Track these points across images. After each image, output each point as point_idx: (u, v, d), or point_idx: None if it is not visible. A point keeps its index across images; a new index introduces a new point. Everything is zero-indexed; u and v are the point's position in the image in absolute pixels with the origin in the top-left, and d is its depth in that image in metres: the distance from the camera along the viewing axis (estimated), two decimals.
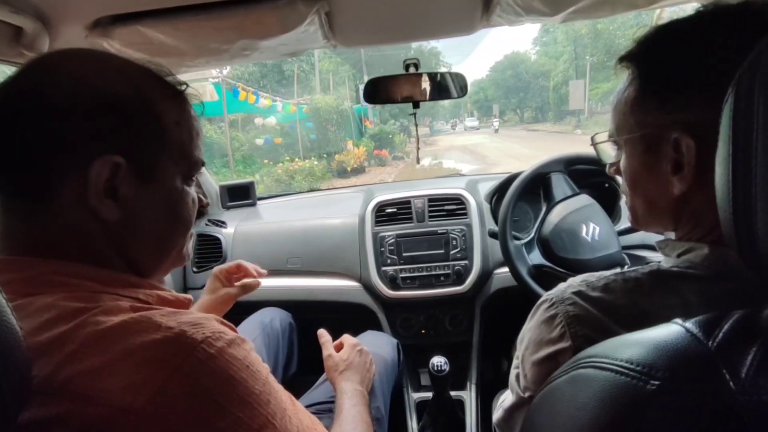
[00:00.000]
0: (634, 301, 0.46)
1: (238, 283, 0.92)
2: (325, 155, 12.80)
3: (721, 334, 0.32)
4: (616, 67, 0.52)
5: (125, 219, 0.46)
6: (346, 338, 0.97)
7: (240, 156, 12.42)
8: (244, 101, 8.94)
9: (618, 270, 0.51)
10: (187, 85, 0.52)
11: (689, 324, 0.34)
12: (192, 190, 0.54)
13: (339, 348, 0.94)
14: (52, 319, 0.38)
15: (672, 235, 0.55)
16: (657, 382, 0.31)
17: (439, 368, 1.14)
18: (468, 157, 15.93)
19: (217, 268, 0.93)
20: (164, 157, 0.49)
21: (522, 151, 16.02)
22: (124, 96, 0.46)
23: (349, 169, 11.99)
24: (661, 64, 0.49)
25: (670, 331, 0.34)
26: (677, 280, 0.46)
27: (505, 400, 0.64)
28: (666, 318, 0.37)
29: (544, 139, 20.89)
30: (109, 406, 0.35)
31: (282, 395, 0.47)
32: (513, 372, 0.60)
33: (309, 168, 10.42)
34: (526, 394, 0.55)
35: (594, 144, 0.66)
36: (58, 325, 0.38)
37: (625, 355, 0.35)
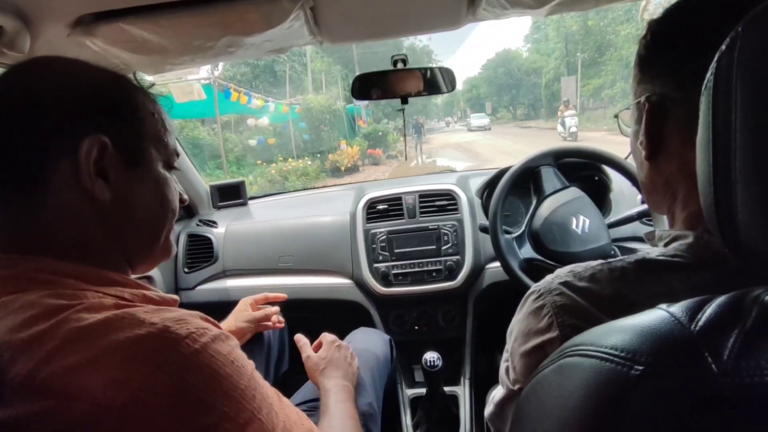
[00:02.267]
0: (619, 291, 0.46)
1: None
2: (318, 155, 12.76)
3: (703, 318, 0.32)
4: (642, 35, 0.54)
5: (117, 202, 0.48)
6: (324, 336, 0.97)
7: (233, 157, 12.37)
8: (236, 102, 8.89)
9: (604, 261, 0.51)
10: (153, 84, 0.56)
11: (673, 309, 0.34)
12: (174, 179, 0.57)
13: (318, 348, 0.94)
14: (34, 317, 0.38)
15: (665, 222, 0.56)
16: (641, 367, 0.31)
17: (432, 363, 1.14)
18: (461, 154, 15.96)
19: (249, 297, 1.10)
20: (146, 143, 0.52)
21: (515, 148, 16.07)
22: (107, 86, 0.50)
23: (342, 168, 11.96)
24: (649, 39, 0.51)
25: (654, 316, 0.34)
26: (663, 268, 0.46)
27: (496, 394, 0.64)
28: (651, 306, 0.37)
29: (537, 135, 20.99)
30: (90, 403, 0.35)
31: (268, 390, 0.46)
32: (503, 365, 0.60)
33: (302, 168, 10.38)
34: (516, 387, 0.55)
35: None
36: (39, 322, 0.38)
37: (610, 341, 0.35)
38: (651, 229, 1.17)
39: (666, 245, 0.50)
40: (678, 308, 0.33)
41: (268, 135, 13.30)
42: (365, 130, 15.81)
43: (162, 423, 0.36)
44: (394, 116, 22.26)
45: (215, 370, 0.39)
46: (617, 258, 0.50)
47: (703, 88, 0.36)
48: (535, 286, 0.53)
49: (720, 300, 0.33)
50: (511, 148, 16.25)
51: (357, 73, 1.20)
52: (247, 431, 0.41)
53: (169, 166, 0.56)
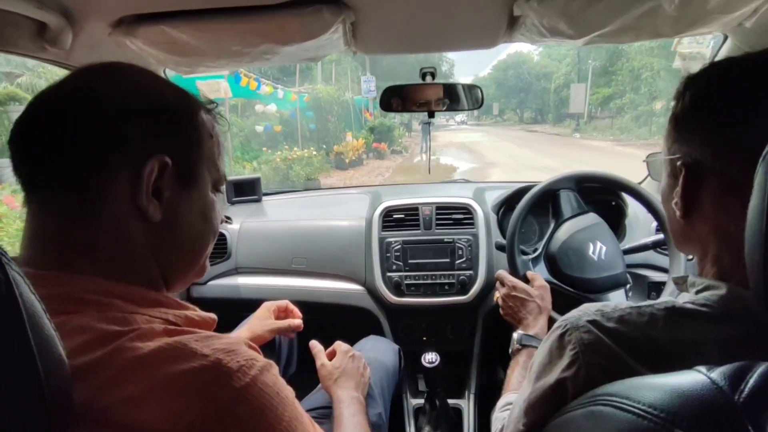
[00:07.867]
0: (647, 335, 0.47)
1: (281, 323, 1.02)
2: (323, 145, 12.71)
3: (747, 389, 0.32)
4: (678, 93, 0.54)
5: (165, 221, 0.48)
6: (338, 345, 0.97)
7: (238, 142, 12.32)
8: (245, 87, 8.81)
9: (632, 304, 0.52)
10: (216, 105, 0.56)
11: (714, 375, 0.34)
12: (218, 200, 0.57)
13: (332, 356, 0.95)
14: (88, 342, 0.39)
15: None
16: (680, 431, 0.32)
17: (431, 361, 1.15)
18: (465, 154, 15.88)
19: (271, 303, 1.07)
20: (201, 165, 0.52)
21: (520, 152, 16.03)
22: (174, 103, 0.50)
23: (347, 160, 11.91)
24: (687, 102, 0.52)
25: (694, 380, 0.35)
26: (691, 317, 0.48)
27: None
28: (678, 354, 0.38)
29: (542, 140, 20.92)
30: None
31: (305, 418, 0.48)
32: (508, 408, 0.61)
33: (307, 158, 10.33)
34: (524, 420, 0.56)
35: (646, 161, 0.75)
36: (95, 349, 0.38)
37: (647, 399, 0.35)
38: (666, 254, 1.18)
39: (697, 293, 0.51)
40: (719, 375, 0.34)
41: (275, 122, 13.20)
42: (372, 123, 15.71)
43: None
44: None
45: (263, 403, 0.41)
46: (646, 303, 0.51)
47: (761, 159, 0.37)
48: (561, 320, 0.53)
49: (762, 370, 0.34)
50: (516, 151, 16.20)
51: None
52: None
53: (216, 189, 0.56)
